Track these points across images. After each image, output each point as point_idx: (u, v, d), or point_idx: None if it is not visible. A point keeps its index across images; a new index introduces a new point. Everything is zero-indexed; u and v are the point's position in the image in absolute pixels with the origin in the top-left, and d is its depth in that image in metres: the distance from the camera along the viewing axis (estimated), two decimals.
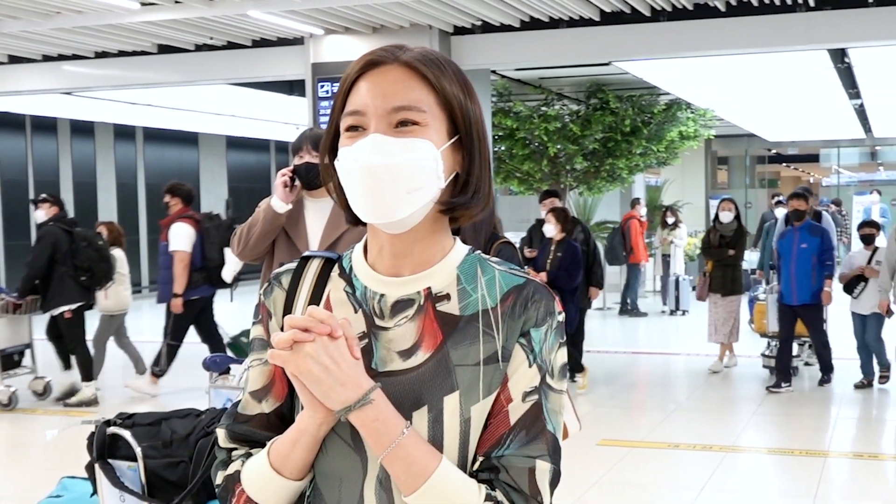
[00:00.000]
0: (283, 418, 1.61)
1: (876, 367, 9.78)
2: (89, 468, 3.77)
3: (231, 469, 1.59)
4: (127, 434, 3.72)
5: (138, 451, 3.69)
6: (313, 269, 1.63)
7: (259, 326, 1.65)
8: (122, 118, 18.44)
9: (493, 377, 1.51)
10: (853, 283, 9.78)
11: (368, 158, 1.46)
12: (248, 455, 1.60)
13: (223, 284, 9.53)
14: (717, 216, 10.86)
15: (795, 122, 20.07)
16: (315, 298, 1.60)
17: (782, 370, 9.64)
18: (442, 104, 1.52)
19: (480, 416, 1.50)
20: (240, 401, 1.64)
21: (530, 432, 1.48)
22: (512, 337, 1.52)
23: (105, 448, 3.73)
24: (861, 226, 10.49)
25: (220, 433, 1.63)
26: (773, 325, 10.15)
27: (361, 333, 1.54)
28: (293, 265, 1.65)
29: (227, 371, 6.37)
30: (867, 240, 10.07)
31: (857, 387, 9.65)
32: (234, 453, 1.62)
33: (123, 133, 20.21)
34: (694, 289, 12.24)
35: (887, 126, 21.46)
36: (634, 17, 10.68)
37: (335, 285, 1.60)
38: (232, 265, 9.32)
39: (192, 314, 9.52)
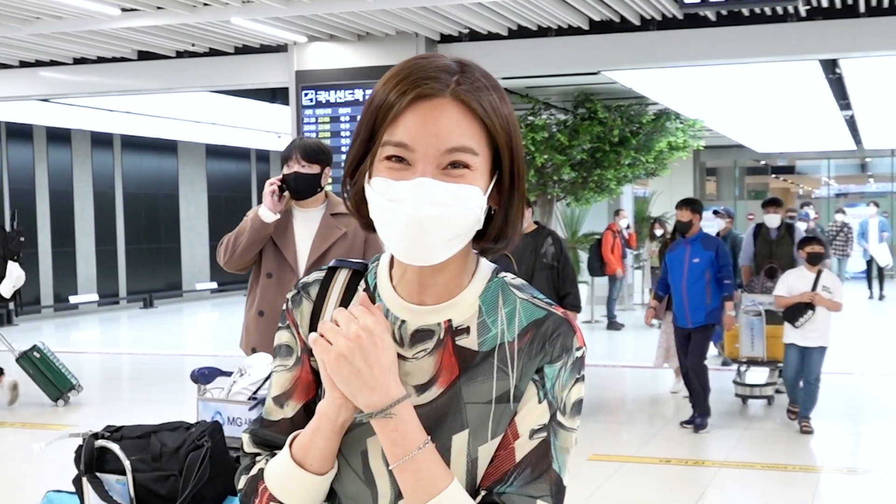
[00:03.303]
0: (309, 417, 1.56)
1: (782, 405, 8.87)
2: (76, 482, 3.73)
3: (254, 470, 1.58)
4: (115, 447, 3.71)
5: (127, 464, 3.66)
6: (340, 280, 1.60)
7: (285, 332, 1.62)
8: (100, 125, 18.26)
9: (503, 417, 1.48)
10: (798, 311, 8.31)
11: (417, 208, 1.40)
12: (273, 457, 1.58)
13: (3, 299, 9.33)
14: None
15: (785, 132, 20.09)
16: None
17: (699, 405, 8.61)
18: (489, 142, 1.46)
19: (487, 457, 1.48)
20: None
21: (535, 471, 1.46)
22: (526, 377, 1.49)
23: (93, 461, 3.70)
24: (804, 242, 8.82)
25: (245, 438, 1.62)
26: (747, 350, 9.43)
27: None
28: (321, 275, 1.62)
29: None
30: (813, 259, 8.49)
31: (797, 421, 8.57)
32: (258, 458, 1.60)
33: (101, 140, 20.00)
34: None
35: (878, 137, 21.46)
36: (624, 26, 10.63)
37: None
38: (12, 280, 9.09)
39: None
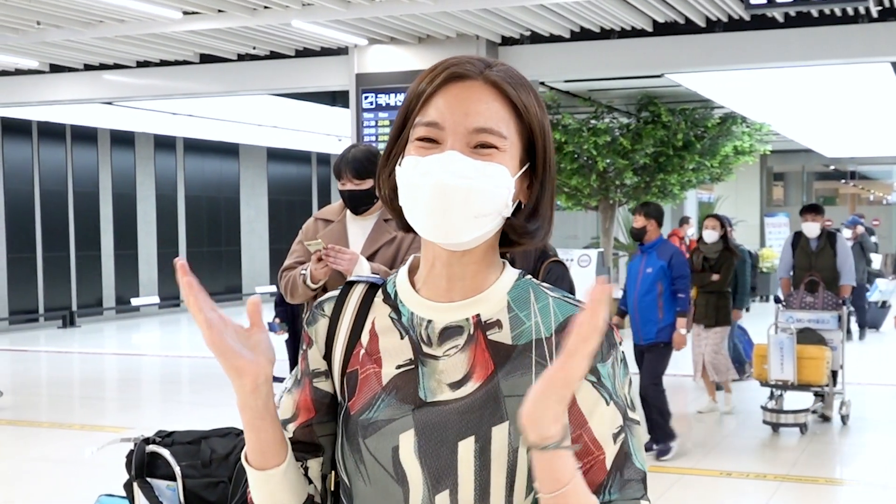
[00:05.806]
0: (307, 436, 1.58)
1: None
2: (128, 487, 3.75)
3: None
4: (166, 453, 3.72)
5: (177, 470, 3.67)
6: (356, 294, 1.58)
7: (302, 354, 1.62)
8: (163, 128, 18.46)
9: None
10: None
11: (442, 176, 1.40)
12: None
13: None
14: (700, 236, 9.48)
15: (855, 137, 19.77)
16: (358, 325, 1.56)
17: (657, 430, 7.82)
18: (521, 131, 1.47)
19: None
20: None
21: (625, 473, 1.45)
22: None
23: (144, 466, 3.72)
24: None
25: None
26: (776, 372, 8.68)
27: (408, 360, 1.51)
28: (336, 292, 1.61)
29: None
30: None
31: None
32: None
33: (164, 143, 20.22)
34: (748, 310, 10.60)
35: None
36: (688, 28, 10.48)
37: (380, 311, 1.55)
38: None
39: None
